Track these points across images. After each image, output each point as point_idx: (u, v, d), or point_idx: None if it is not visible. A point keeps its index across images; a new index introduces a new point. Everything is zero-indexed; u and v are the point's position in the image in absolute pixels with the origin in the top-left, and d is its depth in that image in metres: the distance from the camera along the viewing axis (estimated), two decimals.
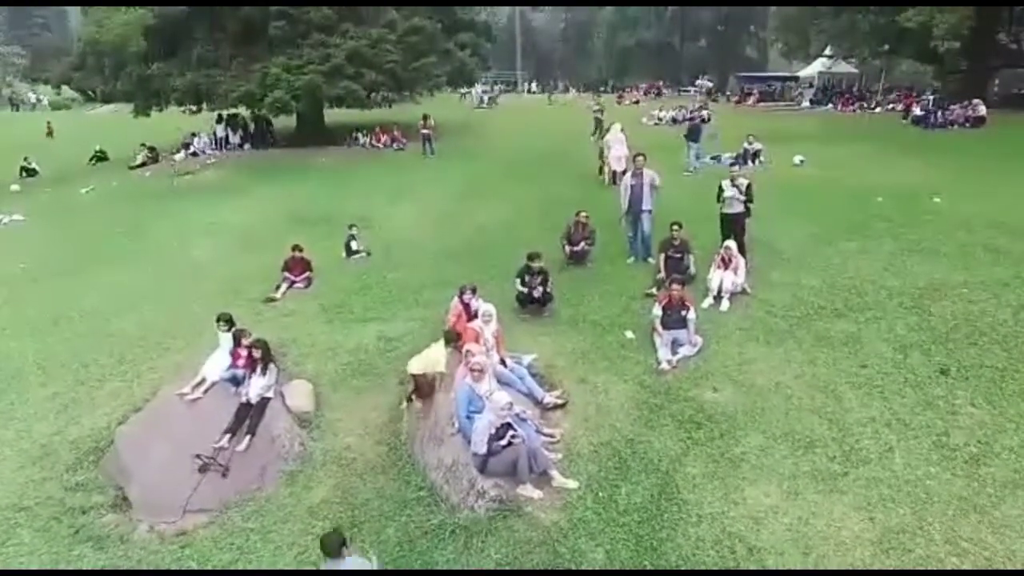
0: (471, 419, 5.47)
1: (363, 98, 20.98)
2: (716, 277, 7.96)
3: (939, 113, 22.43)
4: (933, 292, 7.72)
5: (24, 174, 20.77)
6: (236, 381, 6.62)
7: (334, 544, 4.26)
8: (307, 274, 9.67)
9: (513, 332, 7.32)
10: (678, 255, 8.45)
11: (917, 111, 23.36)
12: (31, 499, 5.81)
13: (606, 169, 14.42)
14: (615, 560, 4.66)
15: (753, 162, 15.82)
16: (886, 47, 28.21)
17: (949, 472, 5.08)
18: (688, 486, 5.20)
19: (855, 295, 7.87)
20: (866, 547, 4.52)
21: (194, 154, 21.51)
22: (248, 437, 6.13)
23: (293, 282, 9.51)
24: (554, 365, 6.95)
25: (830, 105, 31.04)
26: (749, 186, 8.88)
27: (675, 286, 7.06)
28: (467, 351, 5.99)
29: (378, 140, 22.45)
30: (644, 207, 9.27)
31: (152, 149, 21.23)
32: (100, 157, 22.62)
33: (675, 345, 6.90)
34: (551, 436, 5.84)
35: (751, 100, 36.06)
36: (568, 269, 9.29)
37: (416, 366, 6.35)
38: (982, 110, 21.46)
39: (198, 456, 5.88)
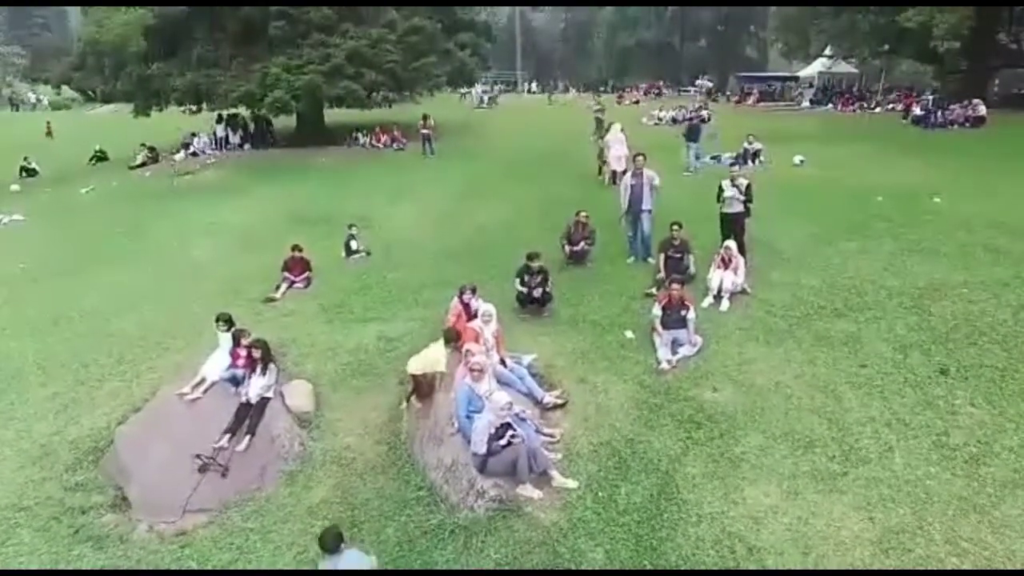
0: (471, 419, 5.47)
1: (363, 98, 20.99)
2: (716, 277, 7.96)
3: (939, 113, 22.44)
4: (933, 292, 7.72)
5: (24, 174, 20.78)
6: (236, 381, 6.62)
7: (332, 539, 4.27)
8: (307, 274, 9.67)
9: (513, 332, 7.32)
10: (678, 255, 8.45)
11: (917, 111, 23.36)
12: (31, 499, 5.81)
13: (606, 169, 14.42)
14: (615, 560, 4.66)
15: (753, 162, 15.82)
16: (886, 47, 28.23)
17: (949, 472, 5.07)
18: (688, 486, 5.19)
19: (855, 295, 7.87)
20: (866, 547, 4.52)
21: (194, 154, 21.52)
22: (248, 437, 6.13)
23: (293, 282, 9.51)
24: (554, 365, 6.95)
25: (830, 105, 31.05)
26: (749, 186, 8.88)
27: (675, 286, 7.06)
28: (467, 351, 5.99)
29: (378, 140, 22.46)
30: (644, 207, 9.27)
31: (152, 149, 21.24)
32: (100, 157, 22.63)
33: (675, 345, 6.90)
34: (551, 436, 5.84)
35: (751, 100, 36.09)
36: (568, 269, 9.29)
37: (416, 366, 6.35)
38: (982, 110, 21.47)
39: (198, 456, 5.88)
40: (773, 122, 24.22)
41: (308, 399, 6.75)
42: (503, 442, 5.19)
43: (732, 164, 14.49)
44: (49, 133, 30.15)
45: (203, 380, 6.72)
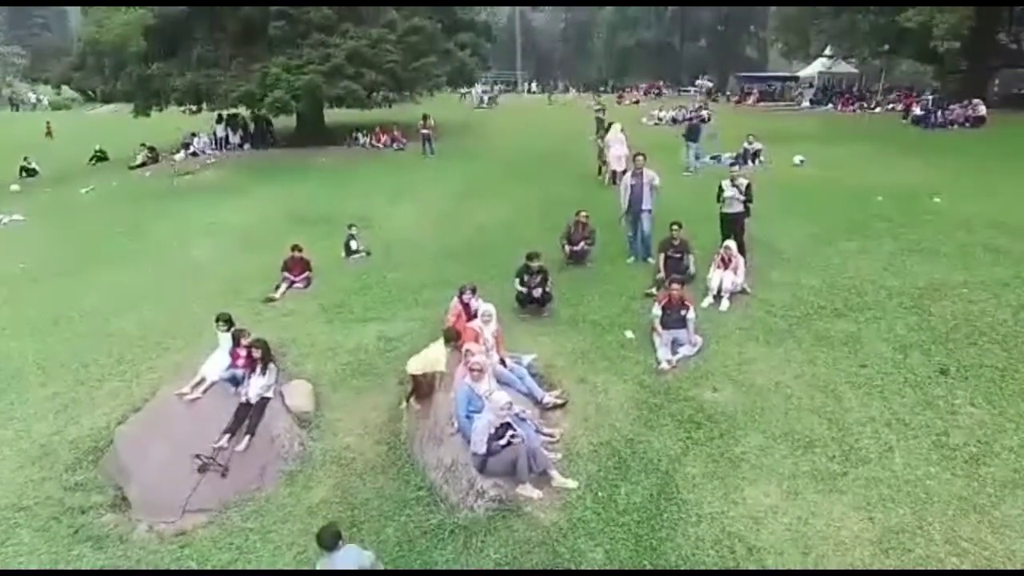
0: (470, 419, 5.47)
1: (363, 98, 20.99)
2: (716, 277, 7.96)
3: (939, 113, 22.44)
4: (933, 292, 7.72)
5: (24, 174, 20.78)
6: (235, 381, 6.62)
7: (330, 536, 4.27)
8: (307, 274, 9.67)
9: (513, 332, 7.32)
10: (678, 255, 8.45)
11: (917, 111, 23.36)
12: (30, 499, 5.81)
13: (606, 169, 14.42)
14: (615, 560, 4.66)
15: (753, 162, 15.82)
16: (886, 47, 28.23)
17: (949, 472, 5.07)
18: (688, 486, 5.19)
19: (855, 295, 7.86)
20: (866, 547, 4.52)
21: (194, 154, 21.52)
22: (247, 437, 6.13)
23: (293, 282, 9.51)
24: (554, 365, 6.94)
25: (830, 105, 31.05)
26: (749, 186, 8.88)
27: (675, 286, 7.06)
28: (467, 351, 5.99)
29: (378, 140, 22.45)
30: (644, 207, 9.27)
31: (152, 149, 21.24)
32: (100, 157, 22.63)
33: (675, 345, 6.90)
34: (551, 436, 5.84)
35: (751, 100, 36.10)
36: (568, 269, 9.29)
37: (415, 366, 6.35)
38: (982, 110, 21.46)
39: (197, 456, 5.88)
40: (773, 122, 24.22)
41: (308, 399, 6.75)
42: (503, 442, 5.19)
43: (732, 164, 14.49)
44: (49, 133, 30.15)
45: (203, 380, 6.72)
